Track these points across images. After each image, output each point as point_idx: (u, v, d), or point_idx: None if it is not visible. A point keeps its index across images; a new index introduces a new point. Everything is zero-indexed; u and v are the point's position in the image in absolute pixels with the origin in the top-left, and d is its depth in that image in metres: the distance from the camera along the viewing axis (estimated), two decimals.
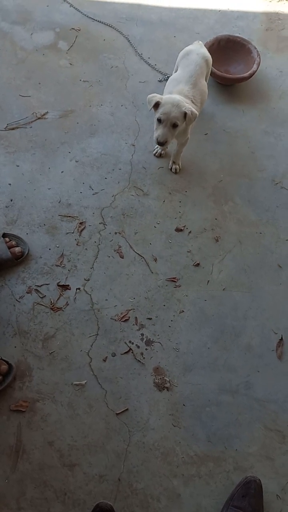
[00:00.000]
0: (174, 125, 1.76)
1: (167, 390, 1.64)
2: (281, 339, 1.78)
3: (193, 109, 1.77)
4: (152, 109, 1.80)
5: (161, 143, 1.78)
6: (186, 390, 1.65)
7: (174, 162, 2.12)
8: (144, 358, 1.69)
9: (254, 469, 1.54)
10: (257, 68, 2.38)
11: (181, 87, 1.90)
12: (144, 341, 1.72)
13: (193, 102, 1.90)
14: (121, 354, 1.68)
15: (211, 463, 1.54)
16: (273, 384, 1.69)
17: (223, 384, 1.68)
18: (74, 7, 2.65)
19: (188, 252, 1.93)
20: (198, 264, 1.91)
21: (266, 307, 1.85)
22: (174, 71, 2.14)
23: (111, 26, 2.62)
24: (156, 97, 1.78)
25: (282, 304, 1.86)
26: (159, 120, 1.77)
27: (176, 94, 1.86)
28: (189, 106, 1.76)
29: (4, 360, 1.58)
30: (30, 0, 2.64)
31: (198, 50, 2.02)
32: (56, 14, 2.61)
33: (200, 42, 2.10)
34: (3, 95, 2.25)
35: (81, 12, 2.64)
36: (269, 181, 2.18)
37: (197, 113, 1.80)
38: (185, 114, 1.75)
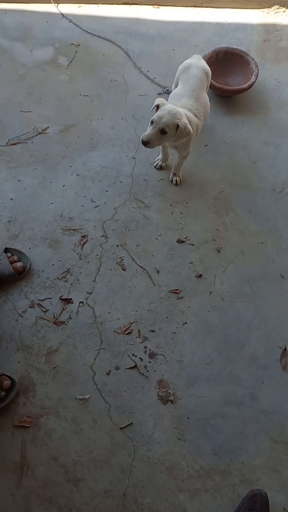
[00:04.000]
0: (163, 131, 1.74)
1: (171, 403, 1.63)
2: (285, 349, 1.77)
3: (188, 126, 1.76)
4: (154, 110, 1.82)
5: (144, 142, 1.76)
6: (190, 402, 1.64)
7: (174, 174, 2.14)
8: (147, 371, 1.68)
9: (260, 481, 1.53)
10: (256, 80, 2.40)
11: (184, 101, 1.92)
12: (147, 353, 1.72)
13: (196, 116, 1.91)
14: (125, 368, 1.68)
15: (217, 476, 1.52)
16: (278, 395, 1.68)
17: (228, 396, 1.67)
18: (73, 23, 2.69)
19: (190, 263, 1.94)
20: (200, 275, 1.91)
21: (269, 317, 1.84)
22: (173, 85, 2.16)
23: (110, 41, 2.65)
24: (160, 101, 1.81)
25: (285, 314, 1.85)
26: (151, 122, 1.77)
27: (180, 108, 1.87)
28: (185, 121, 1.75)
29: (7, 376, 1.58)
30: (30, 17, 2.69)
31: (197, 63, 2.04)
32: (56, 30, 2.65)
33: (198, 55, 2.12)
34: (4, 111, 2.28)
35: (81, 28, 2.68)
36: (269, 191, 2.18)
37: (191, 130, 1.77)
38: (178, 126, 1.74)
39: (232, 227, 2.06)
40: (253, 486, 1.51)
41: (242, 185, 2.19)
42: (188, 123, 1.76)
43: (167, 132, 1.74)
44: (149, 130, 1.75)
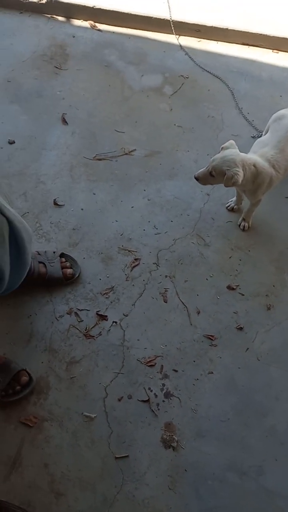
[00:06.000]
0: (211, 173, 1.80)
1: (173, 449, 1.58)
2: None
3: (238, 176, 1.71)
4: None
5: (195, 177, 1.88)
6: (192, 455, 1.57)
7: (244, 219, 2.09)
8: (159, 409, 1.65)
9: None
10: None
11: (265, 151, 1.88)
12: (163, 392, 1.68)
13: (274, 168, 1.85)
14: (138, 399, 1.66)
15: None
16: None
17: (234, 461, 1.57)
18: (188, 55, 2.78)
19: (234, 313, 1.87)
20: (241, 328, 1.83)
21: None
22: (264, 132, 2.13)
23: (219, 78, 2.69)
24: (228, 143, 1.85)
25: None
26: None
27: (258, 157, 1.85)
28: (236, 170, 1.71)
29: (28, 372, 1.65)
30: (149, 44, 2.83)
31: None
32: (170, 60, 2.76)
33: None
34: (101, 127, 2.42)
35: (194, 61, 2.76)
36: None
37: (239, 181, 1.71)
38: (225, 173, 1.74)
39: None
40: None
41: None
42: (239, 174, 1.72)
43: (214, 176, 1.80)
44: (203, 169, 1.84)
